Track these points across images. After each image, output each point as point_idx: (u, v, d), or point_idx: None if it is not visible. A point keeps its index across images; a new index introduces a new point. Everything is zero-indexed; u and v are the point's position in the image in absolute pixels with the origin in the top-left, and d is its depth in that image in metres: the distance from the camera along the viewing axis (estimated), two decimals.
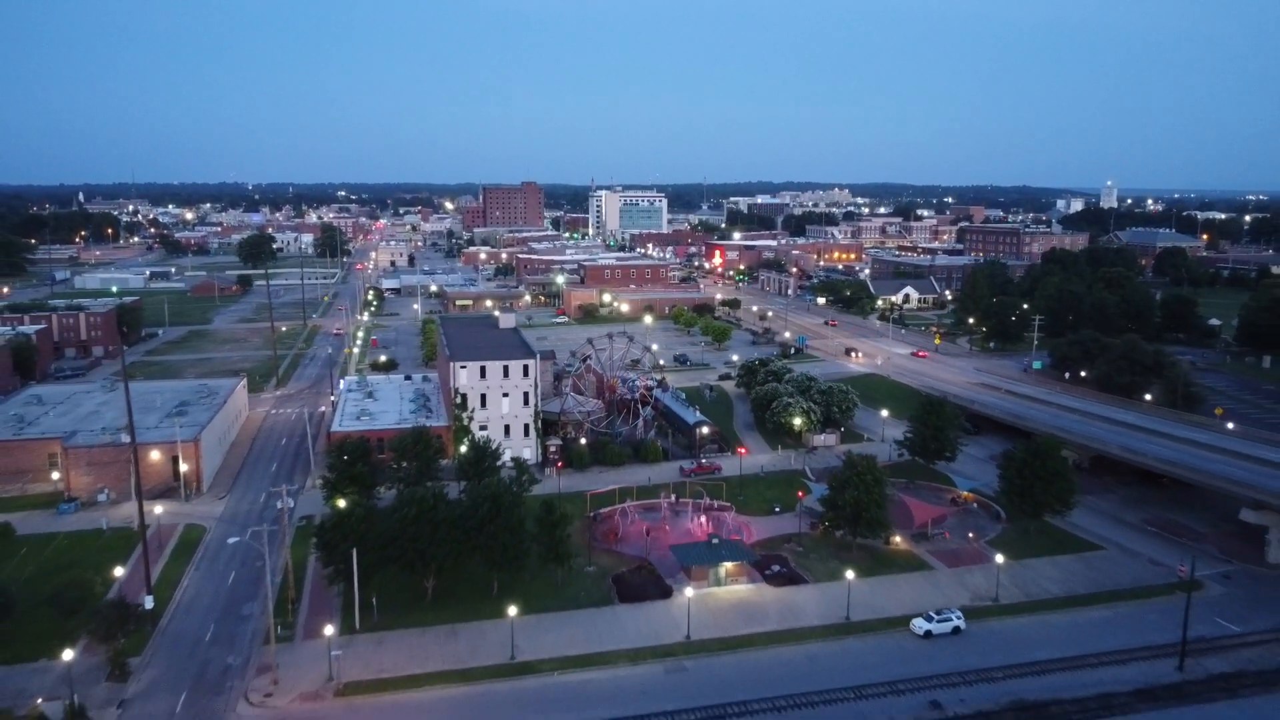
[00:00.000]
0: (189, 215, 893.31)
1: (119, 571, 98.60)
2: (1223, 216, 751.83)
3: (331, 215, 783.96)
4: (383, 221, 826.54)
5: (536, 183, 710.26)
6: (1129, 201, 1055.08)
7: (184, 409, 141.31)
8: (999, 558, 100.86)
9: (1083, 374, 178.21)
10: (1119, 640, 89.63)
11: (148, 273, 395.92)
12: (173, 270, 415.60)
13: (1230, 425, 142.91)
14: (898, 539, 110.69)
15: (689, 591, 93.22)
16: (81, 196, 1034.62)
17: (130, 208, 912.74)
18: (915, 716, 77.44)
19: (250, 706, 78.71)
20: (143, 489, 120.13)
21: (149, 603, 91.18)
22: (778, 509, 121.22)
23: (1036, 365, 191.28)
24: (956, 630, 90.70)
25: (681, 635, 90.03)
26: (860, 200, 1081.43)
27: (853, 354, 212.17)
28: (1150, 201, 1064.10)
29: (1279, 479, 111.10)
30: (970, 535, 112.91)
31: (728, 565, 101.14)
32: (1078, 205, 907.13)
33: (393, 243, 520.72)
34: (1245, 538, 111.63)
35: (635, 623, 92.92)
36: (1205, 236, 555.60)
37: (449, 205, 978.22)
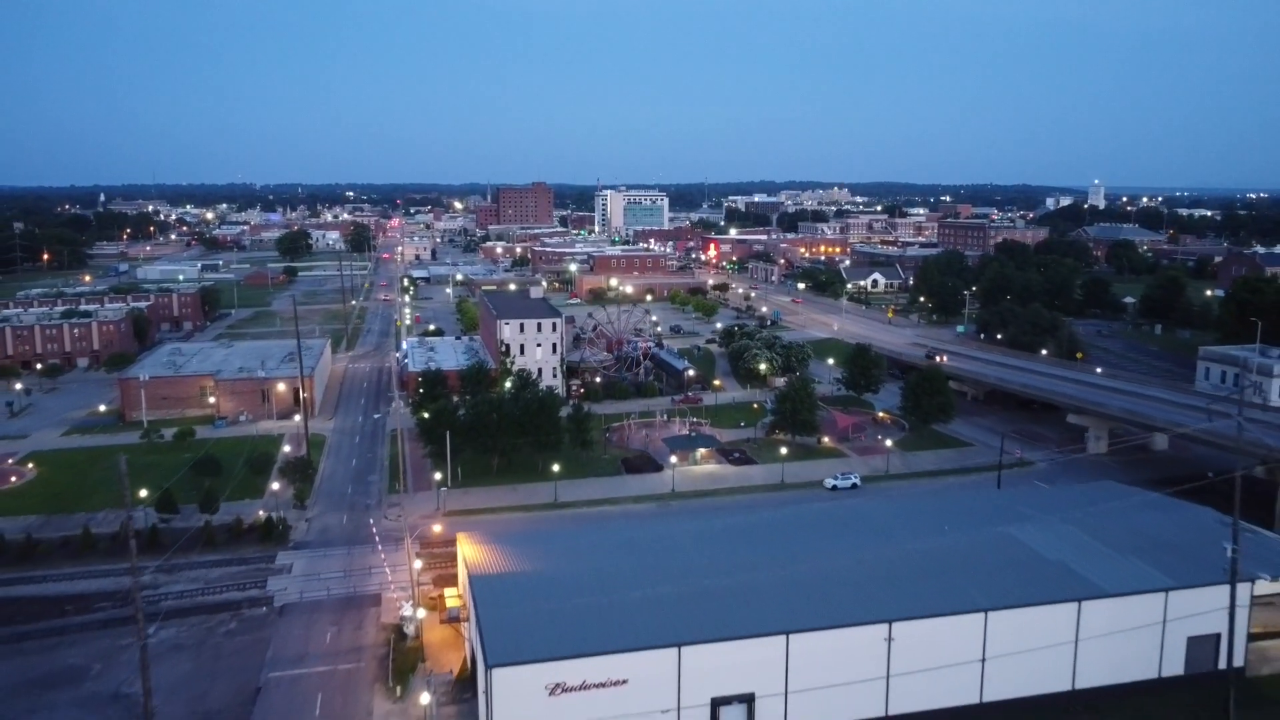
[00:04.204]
0: (209, 215, 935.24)
1: (286, 449, 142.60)
2: (1210, 214, 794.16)
3: (346, 215, 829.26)
4: (398, 220, 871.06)
5: (545, 183, 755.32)
6: (1123, 199, 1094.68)
7: (293, 356, 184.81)
8: (888, 442, 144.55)
9: (998, 336, 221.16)
10: (963, 492, 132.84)
11: (199, 265, 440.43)
12: (220, 263, 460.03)
13: (1099, 370, 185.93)
14: (826, 439, 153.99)
15: (673, 459, 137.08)
16: (103, 198, 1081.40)
17: (150, 208, 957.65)
18: None
19: (388, 521, 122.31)
20: (274, 410, 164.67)
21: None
22: (742, 424, 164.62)
23: (961, 330, 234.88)
24: (854, 486, 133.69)
25: (668, 489, 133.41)
26: (859, 199, 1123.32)
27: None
28: (1145, 199, 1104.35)
29: (1094, 394, 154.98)
30: (879, 438, 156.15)
31: (702, 450, 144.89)
32: (1067, 203, 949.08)
33: (416, 238, 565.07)
34: (1078, 439, 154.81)
35: (637, 484, 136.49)
36: (1171, 232, 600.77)
37: (458, 205, 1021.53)
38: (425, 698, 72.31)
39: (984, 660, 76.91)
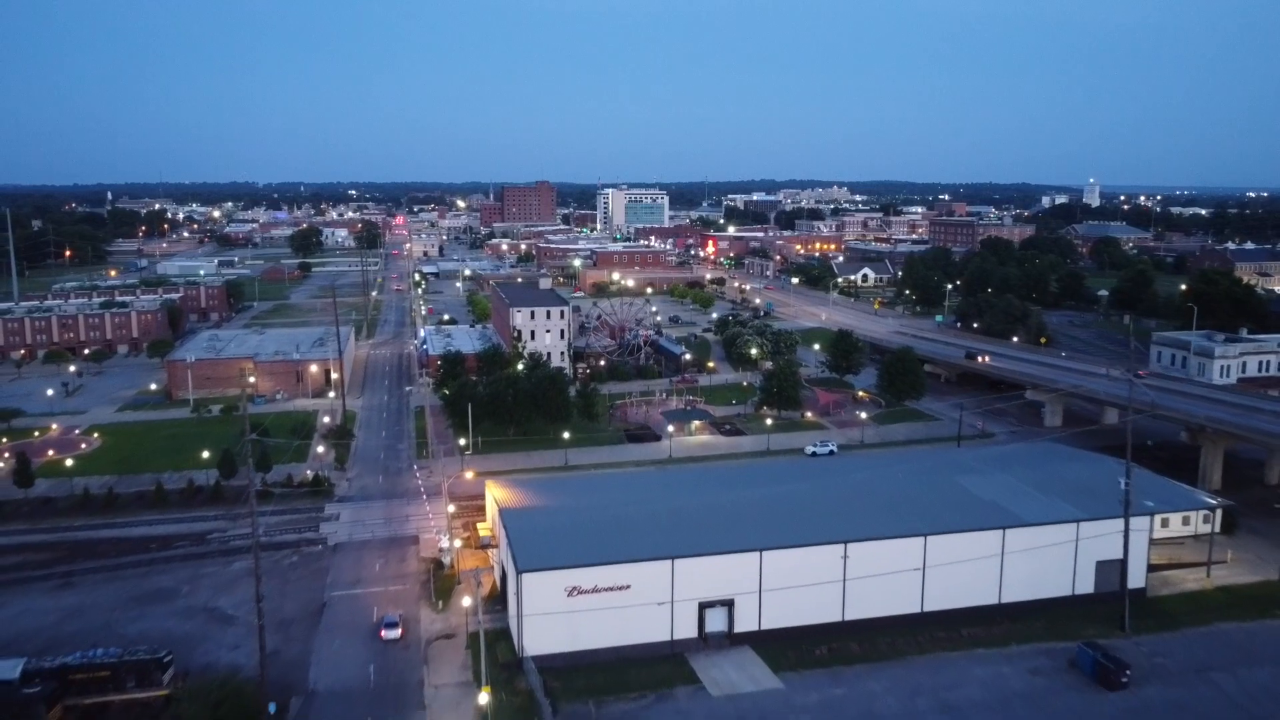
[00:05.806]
0: (216, 214, 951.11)
1: (325, 420, 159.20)
2: (1202, 212, 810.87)
3: (351, 213, 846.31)
4: (402, 218, 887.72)
5: (549, 182, 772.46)
6: (1121, 198, 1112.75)
7: (322, 342, 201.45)
8: (862, 414, 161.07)
9: (975, 325, 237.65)
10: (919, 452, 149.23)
11: (216, 261, 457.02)
12: (235, 260, 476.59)
13: (1063, 354, 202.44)
14: (809, 414, 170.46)
15: (670, 428, 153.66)
16: (110, 196, 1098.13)
17: (156, 206, 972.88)
18: None
19: (419, 480, 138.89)
20: (309, 389, 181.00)
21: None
22: (734, 401, 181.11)
23: (939, 320, 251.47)
24: (831, 452, 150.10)
25: (666, 456, 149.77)
26: (858, 197, 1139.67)
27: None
28: (1143, 198, 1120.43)
29: (1050, 373, 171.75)
30: (857, 413, 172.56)
31: (697, 422, 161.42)
32: (1063, 201, 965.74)
33: (424, 235, 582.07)
34: (1036, 415, 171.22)
35: (638, 451, 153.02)
36: (1159, 229, 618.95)
37: (461, 203, 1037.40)
38: (467, 600, 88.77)
39: (924, 577, 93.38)
